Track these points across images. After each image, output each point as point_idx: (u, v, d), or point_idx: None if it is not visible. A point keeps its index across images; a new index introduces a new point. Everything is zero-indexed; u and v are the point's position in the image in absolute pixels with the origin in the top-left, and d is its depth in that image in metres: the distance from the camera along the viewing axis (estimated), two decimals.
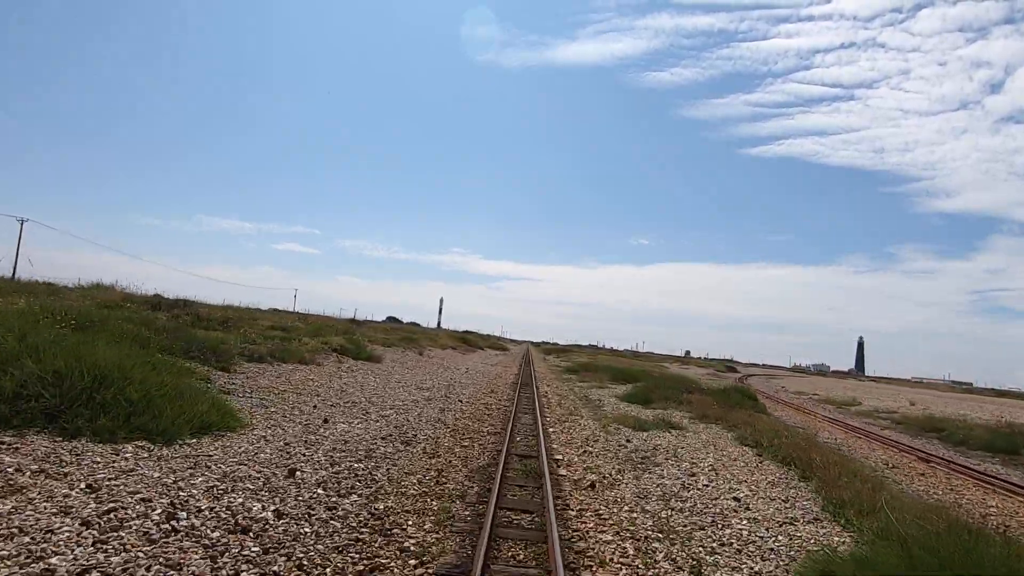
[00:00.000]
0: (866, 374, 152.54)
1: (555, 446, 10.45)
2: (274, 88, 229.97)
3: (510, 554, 5.22)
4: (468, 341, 59.07)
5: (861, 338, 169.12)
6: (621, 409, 17.16)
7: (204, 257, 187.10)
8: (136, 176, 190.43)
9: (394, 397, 14.47)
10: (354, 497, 6.17)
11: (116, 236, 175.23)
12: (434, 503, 6.36)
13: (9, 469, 5.27)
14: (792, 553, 5.75)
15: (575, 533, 5.86)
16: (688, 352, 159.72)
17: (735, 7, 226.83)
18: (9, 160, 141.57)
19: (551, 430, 12.22)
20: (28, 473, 5.29)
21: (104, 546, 4.18)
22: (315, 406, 11.56)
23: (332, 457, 7.71)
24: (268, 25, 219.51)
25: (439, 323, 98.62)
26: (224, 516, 5.08)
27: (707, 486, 8.23)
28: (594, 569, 5.02)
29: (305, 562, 4.46)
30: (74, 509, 4.71)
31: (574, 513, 6.53)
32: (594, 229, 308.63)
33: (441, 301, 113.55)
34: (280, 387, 12.91)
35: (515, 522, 6.11)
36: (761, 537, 6.18)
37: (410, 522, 5.65)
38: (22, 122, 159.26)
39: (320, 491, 6.19)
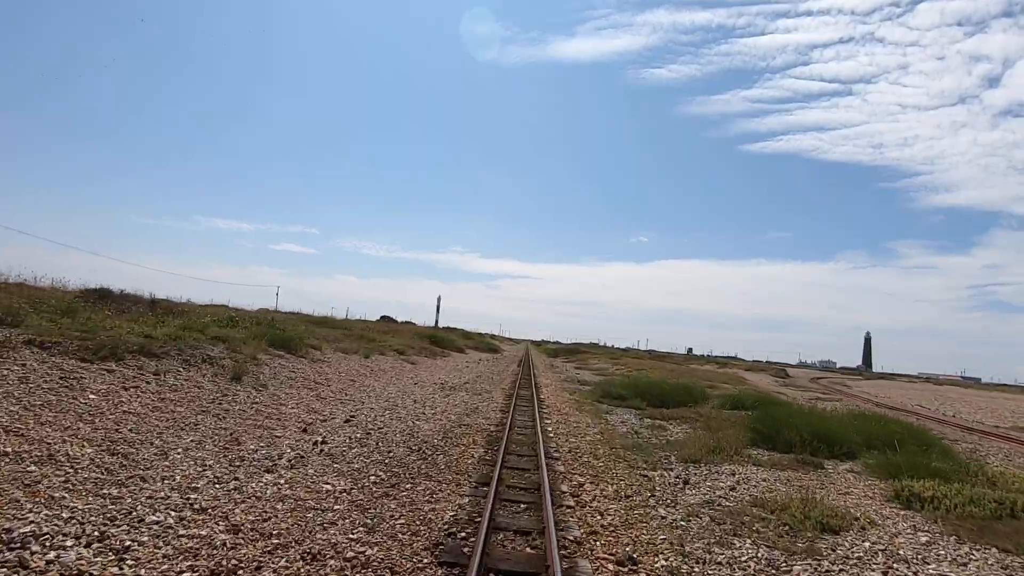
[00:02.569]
0: (873, 371, 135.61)
1: None
2: (274, 88, 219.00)
3: None
4: (438, 341, 40.87)
5: (868, 334, 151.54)
6: None
7: (201, 257, 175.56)
8: (135, 176, 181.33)
9: None
10: None
11: (113, 237, 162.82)
12: None
13: None
14: None
15: None
16: (690, 350, 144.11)
17: (733, 2, 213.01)
18: (9, 159, 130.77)
19: None
20: None
21: None
22: None
23: None
24: (268, 26, 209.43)
25: (436, 321, 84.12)
26: None
27: None
28: None
29: None
30: None
31: None
32: (594, 227, 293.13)
33: (439, 299, 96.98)
34: None
35: None
36: None
37: None
38: (20, 122, 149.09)
39: None
